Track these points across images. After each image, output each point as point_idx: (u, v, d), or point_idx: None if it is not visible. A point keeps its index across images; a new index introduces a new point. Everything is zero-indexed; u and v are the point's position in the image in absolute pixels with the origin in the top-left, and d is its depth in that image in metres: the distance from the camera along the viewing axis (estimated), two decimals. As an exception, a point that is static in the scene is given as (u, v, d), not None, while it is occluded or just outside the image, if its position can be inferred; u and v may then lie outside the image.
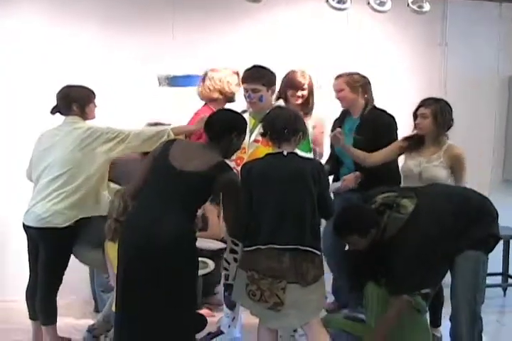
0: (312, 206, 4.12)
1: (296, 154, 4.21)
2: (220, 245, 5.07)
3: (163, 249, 3.96)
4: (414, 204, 4.35)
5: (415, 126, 5.13)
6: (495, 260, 6.59)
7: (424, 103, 5.06)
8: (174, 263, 3.99)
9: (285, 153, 4.18)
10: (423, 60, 6.87)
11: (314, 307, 4.17)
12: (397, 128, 5.47)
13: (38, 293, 4.89)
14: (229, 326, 5.24)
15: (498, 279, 6.91)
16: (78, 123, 4.87)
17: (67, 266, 4.91)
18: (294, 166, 4.14)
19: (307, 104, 5.77)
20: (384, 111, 5.58)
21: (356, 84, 5.52)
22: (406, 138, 5.21)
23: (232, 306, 5.19)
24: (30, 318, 5.02)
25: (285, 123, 4.23)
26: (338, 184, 5.30)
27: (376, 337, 4.34)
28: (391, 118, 5.52)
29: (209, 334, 5.22)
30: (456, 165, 5.00)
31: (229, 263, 5.09)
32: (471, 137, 6.85)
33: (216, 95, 5.74)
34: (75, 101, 4.91)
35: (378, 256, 4.44)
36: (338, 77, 5.59)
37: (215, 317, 5.68)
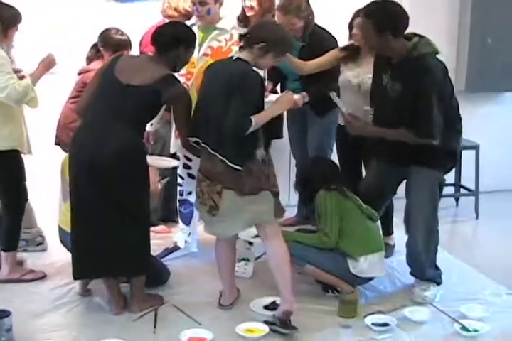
0: None
1: (245, 61, 4.02)
2: (174, 163, 5.05)
3: (111, 162, 3.96)
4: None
5: (351, 37, 5.08)
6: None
7: (360, 13, 4.98)
8: (123, 177, 4.01)
9: (234, 57, 4.08)
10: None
11: (248, 218, 4.13)
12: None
13: (3, 218, 4.84)
14: (185, 241, 5.30)
15: (451, 189, 7.00)
16: None
17: (20, 189, 4.83)
18: (229, 71, 3.98)
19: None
20: (326, 31, 5.43)
21: (303, 14, 5.27)
22: (342, 49, 5.13)
23: (187, 221, 5.24)
24: None
25: (250, 30, 4.13)
26: None
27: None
28: (333, 40, 5.39)
29: (166, 249, 5.27)
30: None
31: (183, 179, 5.12)
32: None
33: (171, 12, 5.63)
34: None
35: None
36: (284, 13, 5.19)
37: (171, 233, 5.73)
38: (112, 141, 3.96)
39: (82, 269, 4.24)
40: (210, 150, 4.02)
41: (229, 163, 3.96)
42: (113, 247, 4.11)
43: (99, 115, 4.07)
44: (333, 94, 4.61)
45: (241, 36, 4.16)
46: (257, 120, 3.91)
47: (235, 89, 3.88)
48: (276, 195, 4.16)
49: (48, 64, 4.68)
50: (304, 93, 5.18)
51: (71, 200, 4.18)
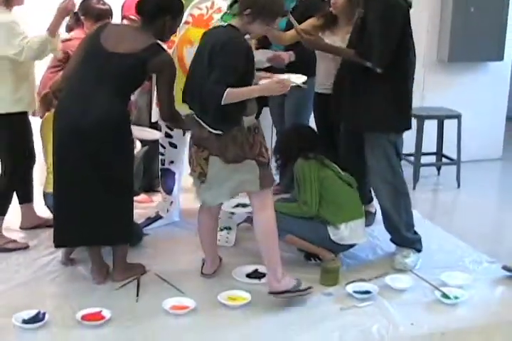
0: None
1: (234, 27, 3.95)
2: (157, 135, 5.01)
3: (95, 128, 3.93)
4: None
5: (329, 5, 5.06)
6: (429, 140, 6.74)
7: None
8: (106, 143, 3.98)
9: (225, 24, 4.02)
10: None
11: (232, 187, 4.10)
12: None
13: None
14: (167, 210, 5.30)
15: (433, 158, 7.04)
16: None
17: (26, 148, 4.88)
18: (215, 38, 3.93)
19: None
20: None
21: None
22: (320, 17, 5.12)
23: (169, 191, 5.23)
24: (19, 202, 5.17)
25: None
26: (268, 52, 5.20)
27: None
28: (327, 6, 5.37)
29: (148, 218, 5.27)
30: None
31: (164, 148, 5.11)
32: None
33: None
34: None
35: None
36: None
37: (153, 203, 5.73)
38: (96, 107, 3.94)
39: (63, 237, 4.22)
40: (196, 117, 4.00)
41: (210, 129, 3.93)
42: (96, 215, 4.10)
43: (84, 82, 4.03)
44: (289, 16, 4.64)
45: (234, 2, 4.07)
46: (232, 94, 3.78)
47: (216, 57, 3.83)
48: (262, 164, 4.07)
49: (63, 8, 4.58)
50: (291, 52, 5.15)
51: (54, 167, 4.15)
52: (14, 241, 4.91)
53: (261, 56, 5.07)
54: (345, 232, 4.46)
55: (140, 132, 4.85)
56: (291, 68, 4.91)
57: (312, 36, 4.58)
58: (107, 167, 4.02)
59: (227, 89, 3.76)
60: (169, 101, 4.15)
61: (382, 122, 4.44)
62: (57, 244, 4.29)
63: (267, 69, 4.83)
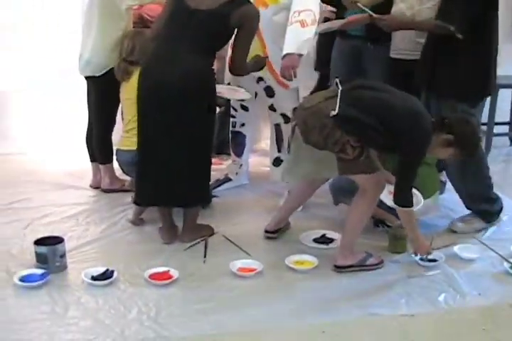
0: None
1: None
2: (247, 95, 4.89)
3: (179, 85, 3.95)
4: None
5: None
6: (502, 109, 6.61)
7: None
8: (190, 102, 3.99)
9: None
10: None
11: (305, 171, 4.10)
12: None
13: (94, 134, 5.18)
14: (236, 173, 5.33)
15: (505, 128, 6.92)
16: None
17: (116, 108, 5.10)
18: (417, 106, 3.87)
19: None
20: None
21: None
22: None
23: (239, 153, 5.25)
24: (91, 161, 5.38)
25: (454, 122, 3.90)
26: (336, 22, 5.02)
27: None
28: None
29: (217, 181, 5.31)
30: None
31: (236, 110, 5.10)
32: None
33: None
34: None
35: None
36: None
37: (223, 165, 5.75)
38: (182, 65, 3.95)
39: (145, 195, 4.30)
40: (338, 91, 3.75)
41: (335, 109, 3.65)
42: (176, 174, 4.14)
43: (170, 41, 4.04)
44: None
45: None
46: (408, 216, 3.92)
47: (404, 138, 3.72)
48: (341, 160, 3.81)
49: None
50: (366, 14, 4.93)
51: (138, 124, 4.20)
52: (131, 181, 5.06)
53: (330, 25, 4.96)
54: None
55: (229, 91, 4.79)
56: (371, 34, 4.85)
57: (385, 20, 4.46)
58: (189, 125, 4.03)
59: (412, 210, 3.91)
60: (243, 55, 4.13)
61: (452, 90, 4.32)
62: (137, 202, 4.40)
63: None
